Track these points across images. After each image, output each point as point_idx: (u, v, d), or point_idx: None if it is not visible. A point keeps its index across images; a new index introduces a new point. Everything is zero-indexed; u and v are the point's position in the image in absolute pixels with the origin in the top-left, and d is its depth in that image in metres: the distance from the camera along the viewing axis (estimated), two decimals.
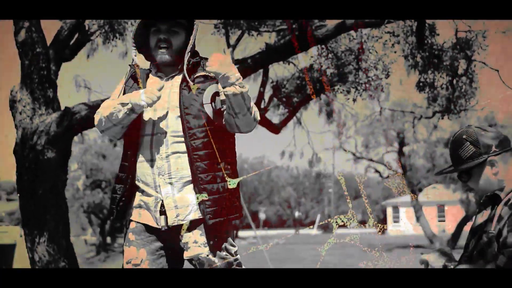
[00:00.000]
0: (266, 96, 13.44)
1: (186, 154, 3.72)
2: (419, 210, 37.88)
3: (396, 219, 59.44)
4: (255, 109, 3.81)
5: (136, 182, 3.86)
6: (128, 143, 3.89)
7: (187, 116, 3.71)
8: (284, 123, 13.58)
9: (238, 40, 12.28)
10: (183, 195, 3.73)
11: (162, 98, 3.76)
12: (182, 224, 3.71)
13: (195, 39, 3.86)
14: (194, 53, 3.92)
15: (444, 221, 55.61)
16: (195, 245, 3.69)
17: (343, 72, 11.46)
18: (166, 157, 3.73)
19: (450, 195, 46.47)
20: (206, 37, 12.85)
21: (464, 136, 3.34)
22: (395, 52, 11.51)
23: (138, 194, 3.88)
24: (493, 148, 3.27)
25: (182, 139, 3.74)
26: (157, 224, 3.76)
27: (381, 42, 11.53)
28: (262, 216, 67.13)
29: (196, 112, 3.72)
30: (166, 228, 3.73)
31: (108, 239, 44.89)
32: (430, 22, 11.62)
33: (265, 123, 13.07)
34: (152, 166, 3.75)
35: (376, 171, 40.39)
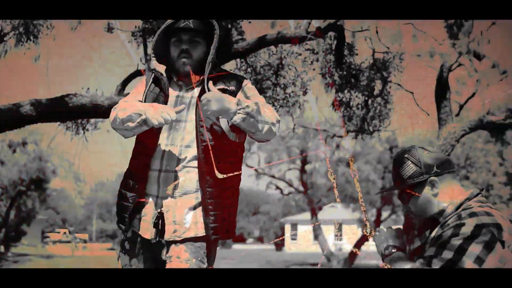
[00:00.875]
0: None
1: (196, 169, 3.64)
2: (318, 228, 38.29)
3: (294, 237, 59.99)
4: (270, 116, 3.66)
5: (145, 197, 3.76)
6: (142, 150, 3.77)
7: (202, 129, 3.60)
8: None
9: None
10: (183, 211, 3.64)
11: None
12: (176, 240, 3.62)
13: (215, 49, 3.74)
14: (215, 64, 3.82)
15: (341, 240, 56.53)
16: (177, 260, 3.57)
17: (261, 87, 11.35)
18: (175, 170, 3.63)
19: (348, 214, 47.29)
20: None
21: (406, 155, 3.21)
22: (313, 69, 11.49)
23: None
24: (435, 168, 3.14)
25: (195, 152, 3.64)
26: (151, 236, 3.65)
27: (300, 59, 11.49)
28: None
29: (211, 126, 3.62)
30: (155, 241, 3.63)
31: (1, 248, 43.38)
32: (350, 41, 11.67)
33: None
34: (159, 176, 3.65)
35: (277, 187, 40.66)
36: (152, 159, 3.67)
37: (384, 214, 41.88)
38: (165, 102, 3.71)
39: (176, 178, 3.62)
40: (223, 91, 3.64)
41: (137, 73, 12.29)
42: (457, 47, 14.09)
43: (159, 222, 3.62)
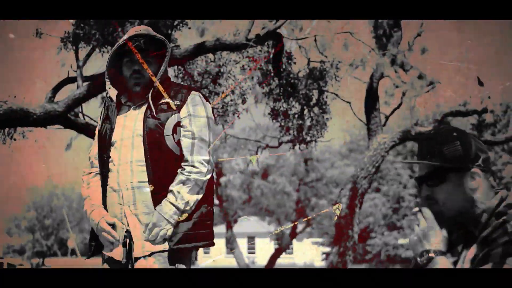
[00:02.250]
0: None
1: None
2: (233, 241, 38.13)
3: (207, 250, 59.61)
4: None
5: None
6: (101, 172, 3.84)
7: (150, 145, 3.66)
8: None
9: (88, 56, 11.57)
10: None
11: (128, 127, 3.76)
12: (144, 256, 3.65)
13: (166, 66, 3.83)
14: (165, 79, 3.88)
15: (254, 253, 56.52)
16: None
17: None
18: (132, 188, 3.66)
19: (262, 227, 47.31)
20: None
21: (455, 134, 2.77)
22: (252, 78, 11.30)
23: (103, 218, 3.78)
24: (480, 161, 2.79)
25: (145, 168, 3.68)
26: (121, 257, 3.68)
27: (239, 66, 11.30)
28: (70, 244, 65.33)
29: (158, 141, 3.67)
30: (125, 261, 3.64)
31: None
32: (288, 49, 11.55)
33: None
34: (118, 196, 3.70)
35: None
36: (108, 178, 3.75)
37: (300, 227, 42.10)
38: (112, 129, 3.80)
39: (134, 196, 3.66)
40: (167, 105, 3.72)
41: (68, 81, 11.84)
42: (386, 58, 14.22)
43: (127, 241, 3.65)
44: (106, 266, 3.80)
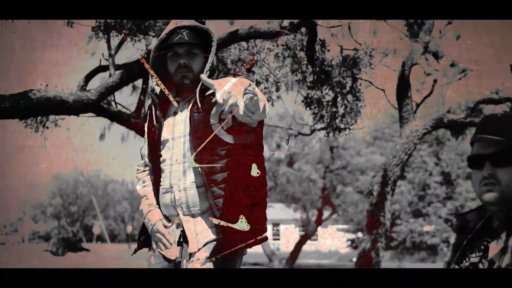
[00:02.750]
0: (147, 104, 12.73)
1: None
2: None
3: None
4: (264, 98, 3.30)
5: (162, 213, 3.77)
6: (153, 171, 3.78)
7: (198, 141, 3.47)
8: None
9: (120, 45, 11.60)
10: (203, 225, 3.59)
11: (178, 125, 3.66)
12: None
13: (213, 58, 3.68)
14: (213, 71, 3.75)
15: (279, 239, 56.67)
16: (198, 261, 3.52)
17: None
18: (184, 189, 3.58)
19: (286, 214, 47.36)
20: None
21: None
22: (286, 65, 11.26)
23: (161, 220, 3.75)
24: None
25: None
26: (176, 255, 3.65)
27: (272, 54, 11.26)
28: (96, 230, 65.79)
29: (207, 134, 3.35)
30: (180, 260, 3.61)
31: None
32: (322, 38, 11.50)
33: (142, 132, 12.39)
34: (171, 197, 3.63)
35: None
36: (161, 179, 3.69)
37: (325, 213, 42.13)
38: (161, 127, 3.70)
39: (186, 197, 3.57)
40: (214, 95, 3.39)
41: (100, 69, 11.87)
42: (418, 45, 14.12)
43: (180, 240, 3.63)
44: (153, 260, 3.74)
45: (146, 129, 3.82)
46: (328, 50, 11.57)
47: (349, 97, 12.15)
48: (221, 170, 3.46)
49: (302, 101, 11.94)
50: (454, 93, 15.41)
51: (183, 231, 3.61)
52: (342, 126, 12.29)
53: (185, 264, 3.56)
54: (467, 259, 2.67)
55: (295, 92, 12.13)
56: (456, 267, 2.69)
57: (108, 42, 11.76)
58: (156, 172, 3.72)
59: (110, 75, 11.18)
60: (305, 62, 11.35)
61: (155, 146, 3.71)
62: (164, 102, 3.73)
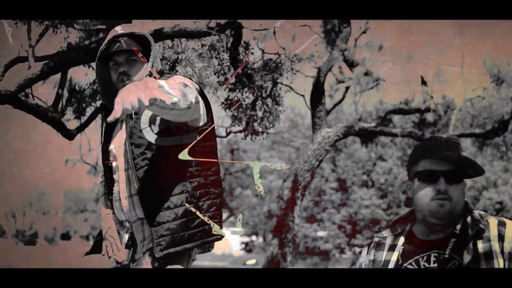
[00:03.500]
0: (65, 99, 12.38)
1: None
2: None
3: None
4: (178, 99, 3.05)
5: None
6: (106, 178, 3.80)
7: (132, 146, 3.54)
8: (78, 129, 12.64)
9: (41, 35, 11.20)
10: (149, 230, 3.56)
11: (122, 134, 3.65)
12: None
13: (156, 62, 3.69)
14: (161, 73, 3.75)
15: None
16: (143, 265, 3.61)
17: None
18: (130, 195, 3.60)
19: None
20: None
21: (458, 143, 2.89)
22: (209, 66, 11.17)
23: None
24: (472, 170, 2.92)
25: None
26: (124, 258, 3.70)
27: (196, 54, 11.15)
28: None
29: (137, 140, 3.53)
30: (126, 263, 3.65)
31: None
32: (246, 40, 11.50)
33: (59, 128, 12.08)
34: (120, 204, 3.67)
35: None
36: (114, 186, 3.70)
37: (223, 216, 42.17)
38: (110, 137, 3.75)
39: (132, 203, 3.59)
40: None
41: (18, 60, 11.42)
42: (333, 53, 14.33)
43: (130, 243, 3.68)
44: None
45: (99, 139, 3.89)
46: (252, 53, 11.59)
47: (269, 101, 12.19)
48: (144, 176, 3.49)
49: (222, 103, 11.90)
50: (366, 102, 15.79)
51: (132, 235, 3.66)
52: (260, 129, 12.32)
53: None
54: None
55: (218, 93, 12.07)
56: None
57: (29, 32, 11.33)
58: (109, 179, 3.74)
59: (29, 67, 10.80)
60: (228, 64, 11.31)
61: (106, 154, 3.75)
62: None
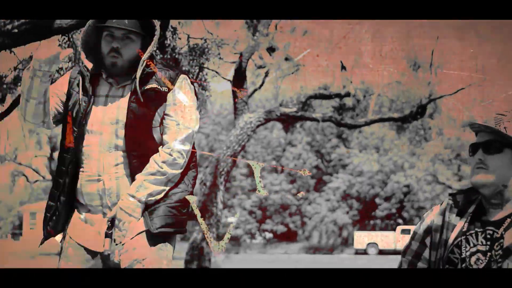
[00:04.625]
0: None
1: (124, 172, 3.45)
2: None
3: (33, 226, 57.79)
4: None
5: (77, 201, 3.51)
6: (70, 157, 3.46)
7: (131, 130, 3.38)
8: None
9: None
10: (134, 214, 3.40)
11: (110, 110, 3.43)
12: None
13: (155, 47, 3.52)
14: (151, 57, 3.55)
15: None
16: (134, 251, 3.37)
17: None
18: (116, 178, 3.40)
19: None
20: None
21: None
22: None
23: (78, 213, 3.52)
24: None
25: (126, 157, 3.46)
26: (102, 246, 3.41)
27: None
28: None
29: (144, 131, 3.39)
30: (109, 252, 3.40)
31: None
32: (174, 24, 11.39)
33: None
34: (99, 186, 3.41)
35: (24, 175, 39.14)
36: (84, 166, 3.45)
37: None
38: (88, 103, 3.46)
39: (118, 186, 3.41)
40: (154, 90, 3.40)
41: None
42: (255, 39, 14.39)
43: (109, 232, 3.42)
44: (72, 252, 3.53)
45: (57, 98, 3.56)
46: (179, 38, 11.50)
47: (196, 86, 12.13)
48: (140, 164, 3.39)
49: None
50: (287, 87, 15.92)
51: (111, 222, 3.39)
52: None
53: (117, 255, 3.38)
54: (471, 246, 2.81)
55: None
56: (458, 253, 2.82)
57: None
58: (77, 157, 3.45)
59: None
60: (155, 48, 11.15)
61: (79, 124, 3.45)
62: (94, 81, 3.50)
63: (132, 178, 3.37)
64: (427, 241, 2.95)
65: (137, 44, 3.44)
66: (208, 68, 12.24)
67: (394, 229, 41.97)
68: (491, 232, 2.79)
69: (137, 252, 3.34)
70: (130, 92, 3.41)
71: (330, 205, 46.35)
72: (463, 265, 2.78)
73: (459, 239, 2.84)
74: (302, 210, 47.45)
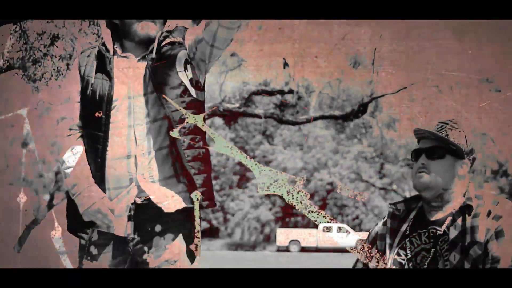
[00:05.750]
0: None
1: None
2: None
3: None
4: None
5: (102, 185, 3.26)
6: (93, 139, 3.28)
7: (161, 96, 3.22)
8: None
9: None
10: (165, 192, 3.24)
11: (136, 83, 3.25)
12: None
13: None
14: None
15: None
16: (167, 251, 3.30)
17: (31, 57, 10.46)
18: (149, 152, 3.22)
19: None
20: None
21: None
22: (96, 41, 10.88)
23: (102, 200, 3.26)
24: (471, 157, 3.18)
25: None
26: (125, 233, 3.24)
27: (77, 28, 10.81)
28: None
29: (169, 89, 3.23)
30: (132, 237, 3.20)
31: None
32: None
33: None
34: (129, 164, 3.23)
35: None
36: (111, 145, 3.27)
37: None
38: (111, 85, 3.26)
39: (150, 161, 3.24)
40: (171, 44, 3.28)
41: None
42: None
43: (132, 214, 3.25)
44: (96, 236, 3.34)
45: (78, 86, 3.33)
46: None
47: None
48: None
49: None
50: (230, 83, 15.94)
51: (134, 203, 3.21)
52: None
53: (146, 251, 3.25)
54: (415, 246, 3.06)
55: None
56: (404, 254, 3.06)
57: None
58: (100, 137, 3.25)
59: None
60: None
61: (97, 106, 3.23)
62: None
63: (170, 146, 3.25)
64: (373, 251, 3.13)
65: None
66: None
67: (316, 227, 42.40)
68: (434, 230, 3.02)
69: (169, 252, 3.27)
70: (153, 60, 3.26)
71: (254, 202, 46.53)
72: (410, 264, 3.00)
73: (403, 241, 3.07)
74: (225, 206, 47.46)
